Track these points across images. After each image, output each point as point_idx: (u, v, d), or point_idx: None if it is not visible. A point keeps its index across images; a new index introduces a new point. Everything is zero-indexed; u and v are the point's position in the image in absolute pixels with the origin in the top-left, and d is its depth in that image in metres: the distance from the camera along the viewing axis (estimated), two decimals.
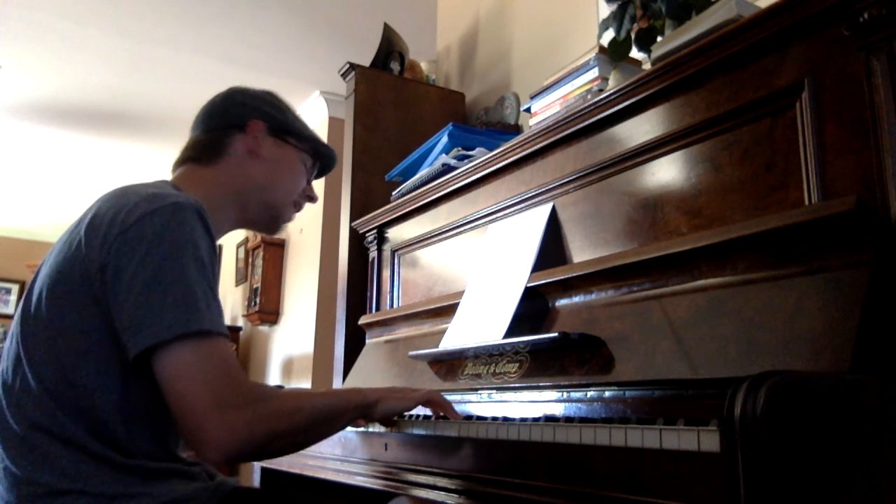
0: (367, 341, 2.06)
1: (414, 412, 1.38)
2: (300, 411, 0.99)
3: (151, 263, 0.92)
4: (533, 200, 1.56)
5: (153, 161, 5.54)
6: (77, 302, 0.95)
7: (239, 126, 1.21)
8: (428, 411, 1.28)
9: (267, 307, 4.79)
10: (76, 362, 0.94)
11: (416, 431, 1.23)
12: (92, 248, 0.96)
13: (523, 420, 1.16)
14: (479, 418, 1.25)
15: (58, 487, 0.91)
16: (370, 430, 1.38)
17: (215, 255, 1.02)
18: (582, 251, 1.40)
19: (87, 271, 0.95)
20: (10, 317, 7.14)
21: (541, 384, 1.24)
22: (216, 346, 0.93)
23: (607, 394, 1.13)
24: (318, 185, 4.02)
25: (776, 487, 0.65)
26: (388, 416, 1.16)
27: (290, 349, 4.57)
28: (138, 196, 1.00)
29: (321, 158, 1.33)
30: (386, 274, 2.13)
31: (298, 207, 1.30)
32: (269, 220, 1.27)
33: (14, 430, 0.95)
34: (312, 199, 1.32)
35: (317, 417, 1.02)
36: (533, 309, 1.39)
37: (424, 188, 1.93)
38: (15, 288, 7.35)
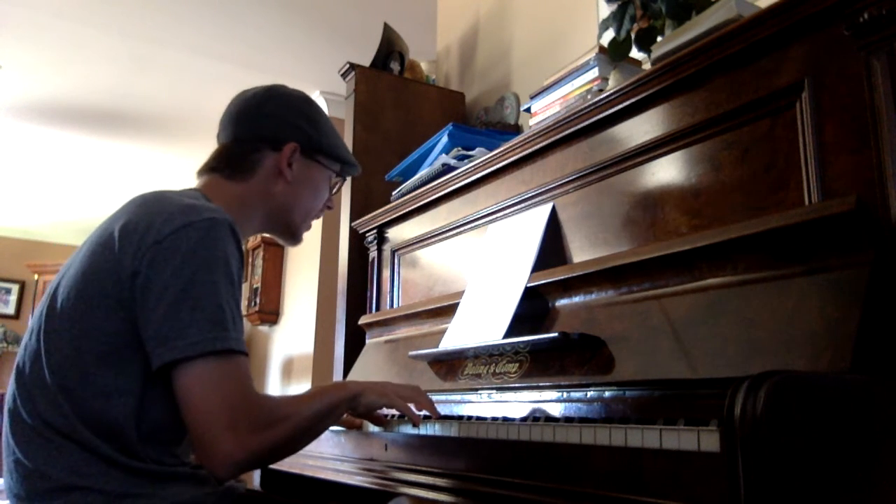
0: (367, 341, 2.06)
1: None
2: (299, 419, 1.02)
3: (183, 277, 0.94)
4: (533, 200, 1.56)
5: (153, 161, 5.52)
6: (105, 304, 0.96)
7: (272, 144, 1.19)
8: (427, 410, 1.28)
9: (267, 307, 4.80)
10: (97, 363, 0.95)
11: (416, 431, 1.23)
12: (126, 254, 0.97)
13: (523, 420, 1.16)
14: (479, 418, 1.25)
15: (68, 483, 0.92)
16: (370, 430, 1.38)
17: (243, 269, 1.04)
18: (582, 251, 1.40)
19: (118, 276, 0.96)
20: (10, 317, 7.12)
21: (541, 384, 1.24)
22: (237, 365, 0.95)
23: (607, 394, 1.13)
24: None
25: (776, 487, 0.65)
26: (371, 409, 1.18)
27: (290, 349, 4.57)
28: (174, 206, 1.01)
29: (345, 174, 1.34)
30: (386, 274, 2.13)
31: (317, 216, 1.32)
32: (289, 236, 1.29)
33: (27, 424, 0.96)
34: (330, 208, 1.34)
35: (312, 420, 1.04)
36: (533, 309, 1.39)
37: (424, 188, 1.93)
38: (15, 288, 7.26)
